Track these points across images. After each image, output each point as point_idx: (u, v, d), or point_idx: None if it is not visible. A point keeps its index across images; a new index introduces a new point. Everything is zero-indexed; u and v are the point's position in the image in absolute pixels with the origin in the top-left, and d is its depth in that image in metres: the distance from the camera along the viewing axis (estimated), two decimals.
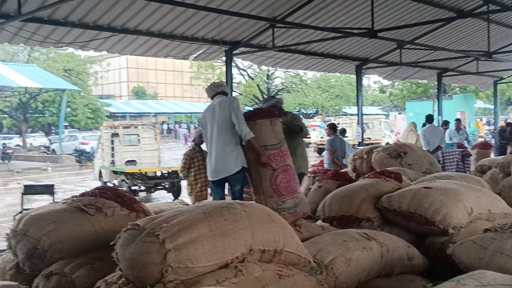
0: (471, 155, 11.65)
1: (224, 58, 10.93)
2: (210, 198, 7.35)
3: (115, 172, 14.43)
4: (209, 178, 5.67)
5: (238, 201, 3.48)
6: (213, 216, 2.99)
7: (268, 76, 40.76)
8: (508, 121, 23.30)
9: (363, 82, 15.26)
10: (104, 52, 9.82)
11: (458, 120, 13.66)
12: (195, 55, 10.35)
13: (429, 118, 11.66)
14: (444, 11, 11.19)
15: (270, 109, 5.87)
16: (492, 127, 25.86)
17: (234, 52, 10.69)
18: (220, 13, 8.18)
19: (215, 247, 2.86)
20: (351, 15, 10.45)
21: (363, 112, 15.44)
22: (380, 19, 10.54)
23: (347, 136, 12.78)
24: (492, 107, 26.73)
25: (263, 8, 9.14)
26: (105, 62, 53.51)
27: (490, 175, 8.38)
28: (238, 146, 5.33)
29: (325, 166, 9.75)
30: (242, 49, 10.76)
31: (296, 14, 9.70)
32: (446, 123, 14.43)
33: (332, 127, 10.65)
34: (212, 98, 5.69)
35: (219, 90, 5.67)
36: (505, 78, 20.90)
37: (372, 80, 56.77)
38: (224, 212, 3.06)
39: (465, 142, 12.74)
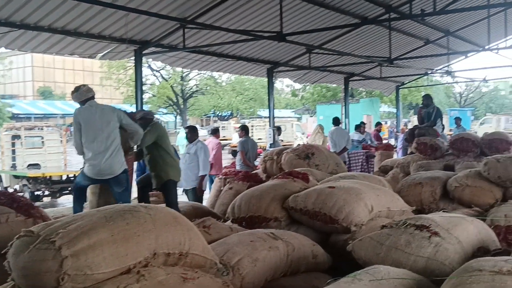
0: (375, 156, 12.25)
1: (133, 58, 10.64)
2: None
3: (16, 177, 13.73)
4: (90, 176, 5.68)
5: (142, 204, 3.40)
6: (114, 220, 2.90)
7: (182, 78, 40.33)
8: (415, 124, 24.78)
9: (276, 86, 15.58)
10: (2, 49, 9.18)
11: (362, 123, 14.32)
12: (102, 54, 9.96)
13: (336, 121, 12.14)
14: (350, 17, 11.67)
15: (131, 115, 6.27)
16: (395, 130, 27.41)
17: (144, 52, 10.42)
18: (127, 11, 7.94)
19: (116, 252, 2.76)
20: (261, 18, 10.57)
21: (277, 115, 15.73)
22: (289, 24, 10.77)
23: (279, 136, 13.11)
24: (395, 111, 28.29)
25: (173, 8, 9.01)
26: (7, 60, 50.38)
27: (391, 175, 8.89)
28: (120, 150, 5.67)
29: (237, 167, 9.81)
30: (153, 49, 10.52)
31: (207, 15, 9.65)
32: (378, 124, 15.86)
33: (244, 129, 10.75)
34: (83, 102, 5.72)
35: (89, 96, 5.75)
36: (405, 84, 22.15)
37: (285, 84, 58.18)
38: (127, 216, 2.97)
39: (369, 141, 13.36)
